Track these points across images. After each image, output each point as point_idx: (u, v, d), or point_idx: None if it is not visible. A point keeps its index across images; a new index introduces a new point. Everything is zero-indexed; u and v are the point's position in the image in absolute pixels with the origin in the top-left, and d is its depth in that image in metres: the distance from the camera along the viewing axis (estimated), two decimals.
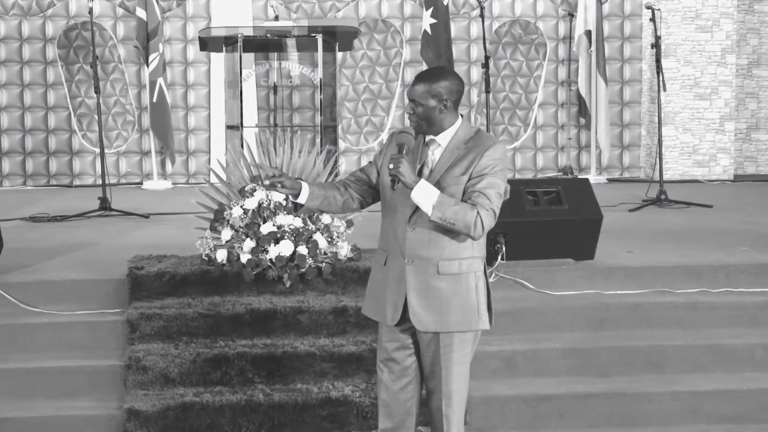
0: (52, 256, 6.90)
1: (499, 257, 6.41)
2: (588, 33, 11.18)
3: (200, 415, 5.25)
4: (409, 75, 11.34)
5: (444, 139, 4.08)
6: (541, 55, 11.78)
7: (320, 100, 9.01)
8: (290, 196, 4.11)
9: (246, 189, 6.10)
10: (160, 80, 10.66)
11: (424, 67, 10.36)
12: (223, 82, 10.09)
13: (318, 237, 6.00)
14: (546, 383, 5.64)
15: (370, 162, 4.29)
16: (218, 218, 6.11)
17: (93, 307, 5.98)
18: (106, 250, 7.18)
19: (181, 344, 5.63)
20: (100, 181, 9.52)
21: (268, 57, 9.50)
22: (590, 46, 11.18)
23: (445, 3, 10.63)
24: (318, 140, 8.77)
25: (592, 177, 10.77)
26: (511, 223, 6.34)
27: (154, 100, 10.65)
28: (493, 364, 5.69)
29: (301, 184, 4.10)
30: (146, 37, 10.60)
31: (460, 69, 11.29)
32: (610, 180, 11.59)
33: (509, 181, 4.44)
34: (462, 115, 4.13)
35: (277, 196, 5.97)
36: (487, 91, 10.09)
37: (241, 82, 8.84)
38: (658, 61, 9.74)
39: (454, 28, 11.29)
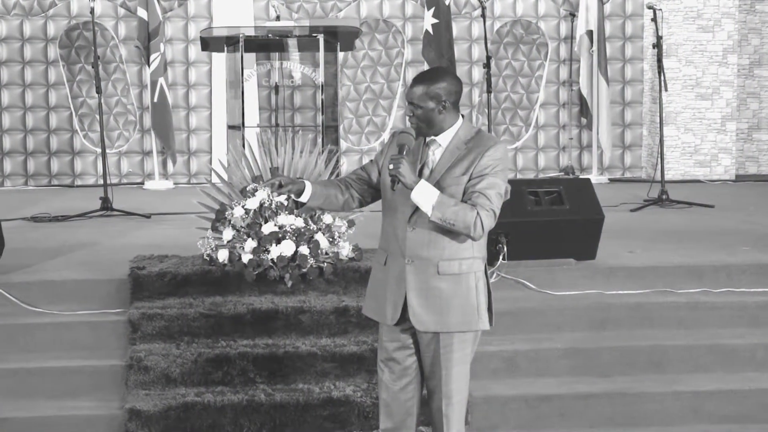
0: (53, 256, 6.90)
1: (501, 257, 6.41)
2: (589, 33, 11.18)
3: (202, 415, 5.25)
4: (411, 75, 11.33)
5: (444, 139, 4.07)
6: (542, 55, 11.77)
7: (322, 100, 9.01)
8: (293, 195, 4.11)
9: (247, 189, 6.09)
10: (162, 80, 10.65)
11: (426, 67, 10.36)
12: (224, 82, 10.10)
13: (319, 237, 5.99)
14: (547, 383, 5.64)
15: (371, 161, 4.28)
16: (220, 218, 6.11)
17: (94, 307, 5.98)
18: (108, 250, 7.18)
19: (183, 344, 5.63)
20: (101, 181, 9.53)
21: (270, 57, 9.51)
22: (592, 46, 11.18)
23: (446, 3, 10.62)
24: (319, 140, 8.77)
25: (594, 177, 10.76)
26: (513, 223, 6.34)
27: (156, 100, 10.65)
28: (495, 364, 5.68)
29: (304, 183, 4.11)
30: (147, 37, 10.59)
31: (461, 69, 11.29)
32: (611, 180, 11.58)
33: (510, 181, 4.44)
34: (463, 115, 4.13)
35: (279, 197, 5.97)
36: (489, 91, 10.10)
37: (242, 82, 8.84)
38: (659, 61, 9.74)
39: (456, 28, 11.28)
